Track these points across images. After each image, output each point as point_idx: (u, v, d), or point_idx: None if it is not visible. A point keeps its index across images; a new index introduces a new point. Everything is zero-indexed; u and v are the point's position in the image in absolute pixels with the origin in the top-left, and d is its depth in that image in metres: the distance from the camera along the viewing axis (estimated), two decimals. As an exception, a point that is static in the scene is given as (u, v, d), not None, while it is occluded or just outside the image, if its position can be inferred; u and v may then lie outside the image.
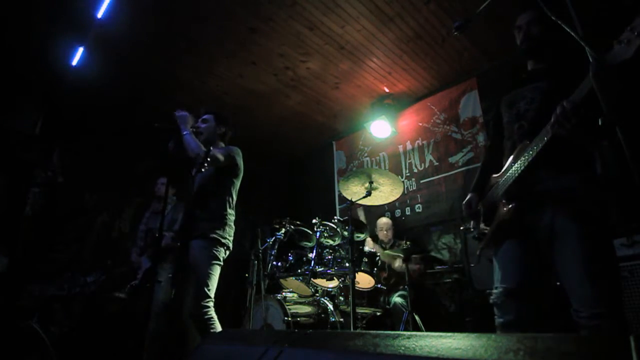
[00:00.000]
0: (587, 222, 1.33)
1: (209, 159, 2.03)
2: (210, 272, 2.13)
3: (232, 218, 2.35)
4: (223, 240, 2.22)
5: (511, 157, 1.52)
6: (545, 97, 1.49)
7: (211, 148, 2.15)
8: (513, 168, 1.50)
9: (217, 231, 2.21)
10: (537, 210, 1.43)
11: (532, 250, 1.48)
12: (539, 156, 1.37)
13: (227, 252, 2.28)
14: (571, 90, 1.28)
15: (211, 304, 2.10)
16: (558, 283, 1.46)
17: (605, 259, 1.30)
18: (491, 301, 1.55)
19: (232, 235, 2.32)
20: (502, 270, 1.54)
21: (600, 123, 1.16)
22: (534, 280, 1.48)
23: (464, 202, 1.79)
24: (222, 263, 2.22)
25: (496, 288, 1.54)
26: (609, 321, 1.22)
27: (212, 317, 2.07)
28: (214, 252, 2.16)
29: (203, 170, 2.04)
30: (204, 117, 2.52)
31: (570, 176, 1.41)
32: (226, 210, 2.30)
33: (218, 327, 2.07)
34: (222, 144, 2.55)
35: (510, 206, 1.46)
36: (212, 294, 2.12)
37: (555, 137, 1.30)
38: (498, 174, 1.63)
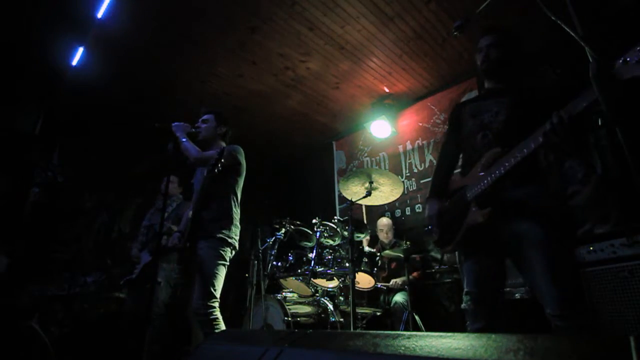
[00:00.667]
0: (551, 229, 1.42)
1: (223, 160, 2.03)
2: (217, 272, 2.12)
3: (238, 217, 2.34)
4: (230, 240, 2.22)
5: (479, 164, 1.58)
6: (510, 111, 1.60)
7: (225, 148, 2.15)
8: (484, 174, 1.54)
9: (224, 231, 2.20)
10: (505, 219, 1.50)
11: (498, 256, 1.57)
12: (518, 164, 1.42)
13: (233, 252, 2.28)
14: (534, 106, 1.44)
15: (216, 303, 2.10)
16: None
17: (568, 262, 1.41)
18: (462, 307, 1.62)
19: (238, 234, 2.32)
20: (469, 275, 1.61)
21: (600, 123, 1.18)
22: (499, 284, 1.59)
23: (430, 215, 1.77)
24: (228, 263, 2.22)
25: (466, 294, 1.60)
26: (579, 320, 1.31)
27: (217, 317, 2.07)
28: (221, 252, 2.16)
29: (217, 171, 2.04)
30: (204, 117, 2.52)
31: (532, 187, 1.51)
32: (232, 210, 2.30)
33: (222, 327, 2.07)
34: (223, 144, 2.55)
35: (485, 211, 1.50)
36: (217, 293, 2.12)
37: (544, 144, 1.34)
38: (462, 179, 1.68)
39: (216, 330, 2.03)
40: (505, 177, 1.46)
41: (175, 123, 2.33)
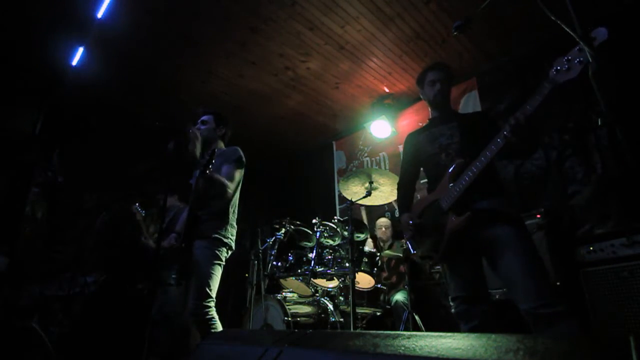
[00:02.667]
0: (517, 230, 1.60)
1: (214, 162, 2.06)
2: (212, 272, 2.12)
3: (235, 218, 2.35)
4: (225, 240, 2.22)
5: (447, 177, 1.73)
6: (462, 131, 1.83)
7: (215, 150, 2.13)
8: (454, 184, 1.68)
9: (220, 231, 2.21)
10: (477, 225, 1.63)
11: (476, 258, 1.72)
12: (482, 173, 1.58)
13: (229, 252, 2.28)
14: (477, 128, 1.77)
15: (212, 303, 2.10)
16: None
17: (537, 258, 1.55)
18: (453, 311, 1.73)
19: (234, 234, 2.32)
20: (456, 281, 1.73)
21: (600, 123, 1.21)
22: (483, 283, 1.72)
23: (403, 221, 1.95)
24: (223, 263, 2.22)
25: (454, 299, 1.72)
26: (557, 308, 1.40)
27: (213, 317, 2.07)
28: (216, 252, 2.16)
29: (208, 172, 2.06)
30: (204, 118, 2.51)
31: (495, 199, 1.70)
32: (227, 210, 2.30)
33: (219, 327, 2.07)
34: (222, 144, 2.55)
35: (464, 216, 1.61)
36: (213, 293, 2.12)
37: (505, 144, 1.51)
38: (432, 194, 1.82)
39: (212, 330, 2.03)
40: (474, 187, 1.61)
41: (192, 130, 2.28)
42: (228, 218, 2.29)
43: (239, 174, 2.33)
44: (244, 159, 2.38)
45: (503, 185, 1.83)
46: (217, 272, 2.16)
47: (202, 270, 2.11)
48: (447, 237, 1.67)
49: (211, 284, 2.11)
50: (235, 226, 2.35)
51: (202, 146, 2.43)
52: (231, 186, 2.27)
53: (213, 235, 2.18)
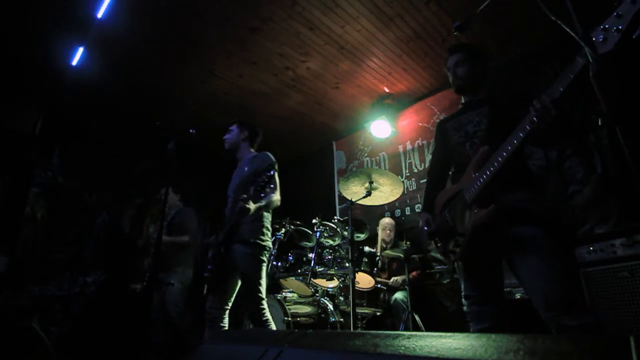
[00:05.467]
0: (544, 233, 1.45)
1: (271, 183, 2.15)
2: (260, 274, 2.25)
3: (269, 220, 2.46)
4: (263, 244, 2.33)
5: (471, 166, 1.59)
6: (492, 117, 1.66)
7: (269, 175, 2.15)
8: (477, 174, 1.54)
9: (258, 235, 2.32)
10: (500, 223, 1.49)
11: (495, 257, 1.59)
12: (506, 162, 1.42)
13: (268, 254, 2.39)
14: (511, 111, 1.47)
15: (265, 304, 2.25)
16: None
17: (564, 265, 1.43)
18: (465, 309, 1.64)
19: (270, 237, 2.43)
20: (469, 278, 1.63)
21: (600, 123, 1.19)
22: (499, 284, 1.61)
23: (421, 224, 1.86)
24: (266, 262, 2.34)
25: (466, 297, 1.62)
26: (585, 320, 1.30)
27: (268, 319, 2.22)
28: (259, 257, 2.28)
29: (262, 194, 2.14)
30: (229, 128, 2.66)
31: (522, 193, 1.55)
32: (263, 216, 2.40)
33: (273, 326, 2.23)
34: (252, 149, 2.67)
35: (489, 208, 1.45)
36: (264, 294, 2.25)
37: (531, 131, 1.35)
38: (456, 185, 1.68)
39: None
40: (499, 178, 1.46)
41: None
42: (263, 221, 2.39)
43: (277, 178, 2.43)
44: (276, 163, 2.47)
45: (531, 175, 1.69)
46: (264, 274, 2.29)
47: (251, 277, 2.23)
48: (469, 232, 1.53)
49: (261, 286, 2.24)
50: (270, 228, 2.45)
51: (231, 152, 2.63)
52: (277, 194, 2.40)
53: (252, 241, 2.28)
